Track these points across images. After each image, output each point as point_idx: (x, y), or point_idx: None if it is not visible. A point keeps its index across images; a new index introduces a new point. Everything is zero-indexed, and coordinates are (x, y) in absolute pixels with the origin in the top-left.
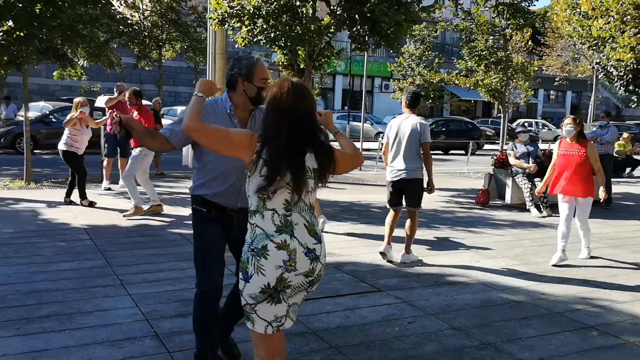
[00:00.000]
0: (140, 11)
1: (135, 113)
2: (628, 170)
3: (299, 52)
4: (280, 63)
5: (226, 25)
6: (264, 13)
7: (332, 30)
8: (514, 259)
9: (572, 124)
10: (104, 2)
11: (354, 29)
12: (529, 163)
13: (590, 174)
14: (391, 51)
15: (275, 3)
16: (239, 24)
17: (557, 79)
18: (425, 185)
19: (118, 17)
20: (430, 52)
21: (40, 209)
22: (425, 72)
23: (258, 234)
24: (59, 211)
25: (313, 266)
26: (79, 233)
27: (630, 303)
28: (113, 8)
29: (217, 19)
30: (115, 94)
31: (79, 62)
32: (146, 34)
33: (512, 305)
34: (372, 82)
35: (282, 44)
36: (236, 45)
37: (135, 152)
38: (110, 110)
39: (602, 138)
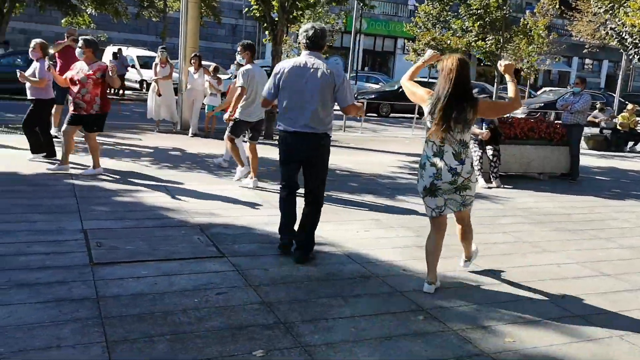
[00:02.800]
0: None
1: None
2: (631, 144)
3: (273, 2)
4: (253, 15)
5: None
6: None
7: None
8: (415, 231)
9: None
10: None
11: None
12: (482, 129)
13: None
14: (362, 5)
15: None
16: None
17: (587, 46)
18: None
19: None
20: (447, 12)
21: None
22: (440, 33)
23: (422, 155)
24: None
25: (454, 178)
26: None
27: (489, 286)
28: None
29: None
30: (65, 40)
31: (86, 10)
32: None
33: (356, 280)
34: (395, 42)
35: None
36: None
37: None
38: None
39: (573, 107)
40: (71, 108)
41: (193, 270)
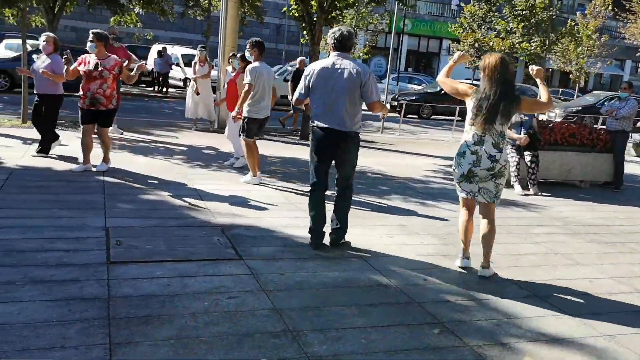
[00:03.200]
0: None
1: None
2: None
3: (312, 2)
4: (292, 14)
5: None
6: None
7: None
8: (441, 239)
9: None
10: None
11: None
12: (520, 134)
13: None
14: (401, 5)
15: None
16: None
17: None
18: None
19: None
20: (494, 13)
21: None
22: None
23: (462, 144)
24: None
25: (493, 165)
26: (4, 173)
27: (512, 299)
28: None
29: None
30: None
31: (133, 9)
32: None
33: (373, 288)
34: (440, 43)
35: None
36: None
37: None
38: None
39: (618, 112)
40: (84, 104)
41: (208, 272)
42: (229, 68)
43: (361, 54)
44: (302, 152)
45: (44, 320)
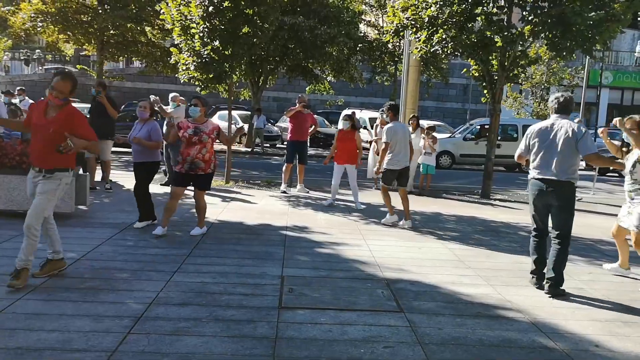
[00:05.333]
0: (378, 27)
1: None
2: None
3: (492, 61)
4: (472, 74)
5: (403, 36)
6: (440, 22)
7: (526, 37)
8: (623, 305)
9: None
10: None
11: (546, 33)
12: None
13: None
14: (588, 57)
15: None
16: (415, 35)
17: None
18: None
19: (356, 35)
20: None
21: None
22: None
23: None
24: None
25: None
26: (206, 226)
27: None
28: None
29: (391, 30)
30: (297, 106)
31: (326, 78)
32: (383, 49)
33: (535, 351)
34: None
35: (473, 53)
36: (414, 57)
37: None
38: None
39: None
40: (182, 168)
41: (367, 322)
42: (410, 128)
43: None
44: (480, 211)
45: (220, 352)
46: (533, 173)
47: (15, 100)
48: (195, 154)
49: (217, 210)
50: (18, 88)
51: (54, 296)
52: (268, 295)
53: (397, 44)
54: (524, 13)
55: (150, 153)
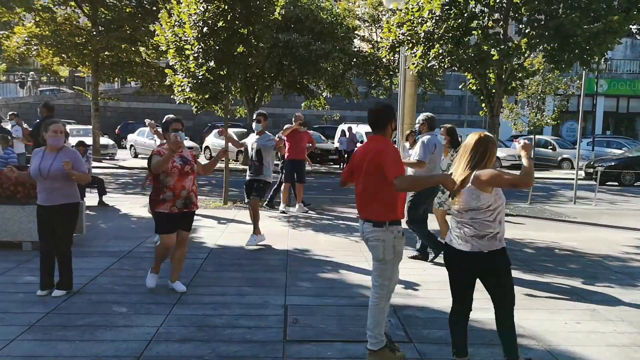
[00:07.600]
0: (373, 42)
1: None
2: None
3: (490, 75)
4: (468, 88)
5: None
6: (436, 37)
7: (522, 50)
8: (638, 327)
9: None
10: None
11: (544, 46)
12: None
13: None
14: (586, 69)
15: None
16: (411, 51)
17: None
18: None
19: (351, 50)
20: None
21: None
22: None
23: None
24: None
25: None
26: (201, 252)
27: None
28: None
29: (386, 46)
30: (294, 124)
31: (322, 94)
32: (378, 63)
33: None
34: None
35: (470, 67)
36: (411, 73)
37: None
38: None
39: None
40: (173, 207)
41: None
42: (407, 144)
43: (549, 120)
44: None
45: None
46: None
47: (7, 126)
48: (190, 186)
49: (216, 233)
50: (10, 113)
51: (50, 335)
52: (272, 328)
53: (392, 58)
54: (521, 26)
55: (73, 191)
